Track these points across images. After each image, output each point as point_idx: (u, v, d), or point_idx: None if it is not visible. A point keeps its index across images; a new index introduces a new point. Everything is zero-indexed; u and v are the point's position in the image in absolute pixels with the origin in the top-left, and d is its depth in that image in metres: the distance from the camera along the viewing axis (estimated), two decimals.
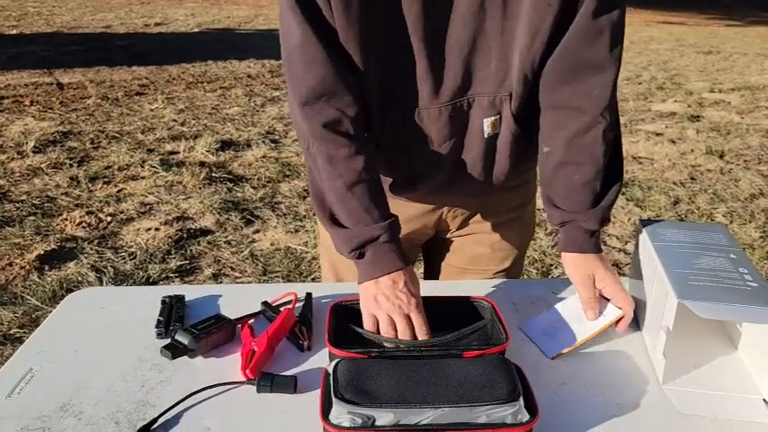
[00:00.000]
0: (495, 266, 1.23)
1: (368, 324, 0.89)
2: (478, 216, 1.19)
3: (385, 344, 0.87)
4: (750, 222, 3.30)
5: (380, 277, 0.91)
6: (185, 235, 2.98)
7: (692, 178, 3.95)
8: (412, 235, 1.20)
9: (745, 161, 4.32)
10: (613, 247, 3.00)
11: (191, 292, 1.06)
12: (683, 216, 3.39)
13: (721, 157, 4.36)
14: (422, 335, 0.88)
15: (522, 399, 0.73)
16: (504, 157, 1.03)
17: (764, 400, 0.83)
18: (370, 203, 0.93)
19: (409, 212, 1.16)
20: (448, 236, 1.23)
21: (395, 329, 0.88)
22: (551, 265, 2.82)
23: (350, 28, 0.88)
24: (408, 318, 0.89)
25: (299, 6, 0.88)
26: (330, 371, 0.78)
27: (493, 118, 0.98)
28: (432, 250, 1.30)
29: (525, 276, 2.71)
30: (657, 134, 4.91)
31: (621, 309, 0.96)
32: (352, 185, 0.93)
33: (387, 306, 0.89)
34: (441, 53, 0.92)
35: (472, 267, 1.24)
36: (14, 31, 8.71)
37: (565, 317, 0.98)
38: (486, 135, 0.99)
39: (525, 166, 1.12)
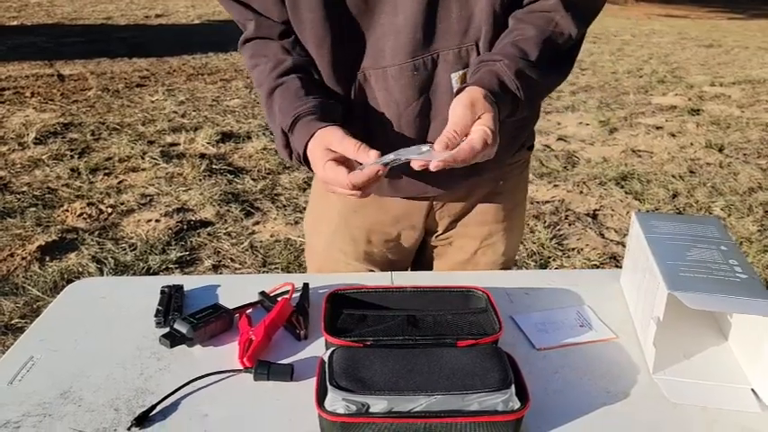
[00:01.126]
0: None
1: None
2: (466, 219, 1.18)
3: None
4: (748, 216, 3.31)
5: (305, 155, 0.92)
6: (185, 226, 2.99)
7: (692, 172, 3.96)
8: (402, 239, 1.19)
9: (745, 155, 4.32)
10: (611, 240, 3.01)
11: (190, 282, 1.07)
12: (681, 209, 3.40)
13: (721, 150, 4.36)
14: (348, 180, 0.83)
15: (513, 387, 0.74)
16: None
17: (753, 390, 0.84)
18: (285, 101, 0.95)
19: (396, 211, 1.15)
20: (435, 238, 1.22)
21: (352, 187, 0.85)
22: (549, 257, 2.84)
23: None
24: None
25: None
26: (326, 359, 0.79)
27: (461, 72, 0.95)
28: (416, 258, 1.28)
29: (523, 268, 2.72)
30: (657, 127, 4.91)
31: (458, 154, 0.83)
32: (271, 91, 0.96)
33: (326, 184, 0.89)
34: (398, 8, 0.92)
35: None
36: (15, 23, 8.69)
37: (559, 321, 0.99)
38: (454, 91, 0.95)
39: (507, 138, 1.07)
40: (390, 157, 0.83)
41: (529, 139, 1.19)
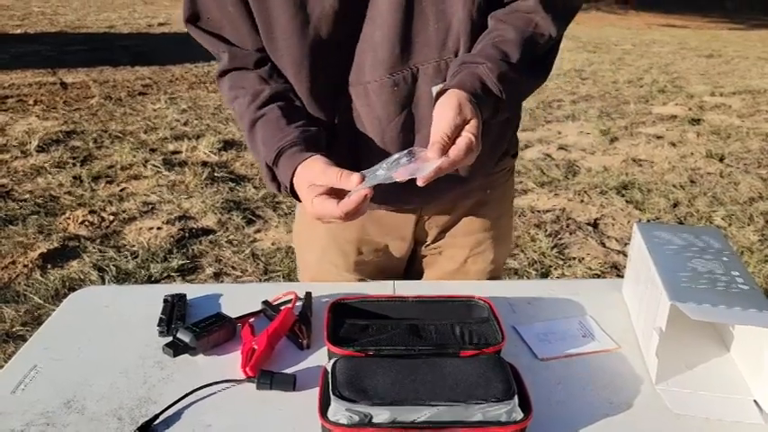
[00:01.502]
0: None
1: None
2: (455, 229, 1.18)
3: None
4: (749, 225, 3.31)
5: (291, 189, 0.91)
6: (187, 234, 3.00)
7: (692, 181, 3.97)
8: (392, 249, 1.20)
9: (745, 164, 4.33)
10: (612, 249, 3.01)
11: (192, 290, 1.07)
12: (682, 219, 3.41)
13: (721, 160, 4.37)
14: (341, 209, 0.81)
15: (516, 397, 0.74)
16: None
17: (755, 401, 0.84)
18: (267, 133, 0.94)
19: (385, 223, 1.15)
20: (425, 248, 1.22)
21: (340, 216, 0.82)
22: (551, 266, 2.84)
23: (276, 7, 0.90)
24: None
25: (193, 19, 0.98)
26: (329, 369, 0.79)
27: (441, 84, 0.93)
28: (407, 267, 1.28)
29: (525, 277, 2.72)
30: (658, 137, 4.92)
31: (440, 157, 0.80)
32: (253, 124, 0.95)
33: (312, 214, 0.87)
34: (375, 23, 0.91)
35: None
36: (19, 31, 8.74)
37: (562, 331, 0.99)
38: (435, 93, 0.93)
39: (492, 147, 1.06)
40: (375, 177, 0.81)
41: (512, 146, 1.19)
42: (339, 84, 0.98)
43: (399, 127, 0.98)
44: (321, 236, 1.20)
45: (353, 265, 1.21)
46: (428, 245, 1.22)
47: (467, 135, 0.83)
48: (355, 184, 0.80)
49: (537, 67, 0.96)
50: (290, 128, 0.93)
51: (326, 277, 1.22)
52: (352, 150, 1.02)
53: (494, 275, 1.25)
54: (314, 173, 0.86)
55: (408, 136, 1.00)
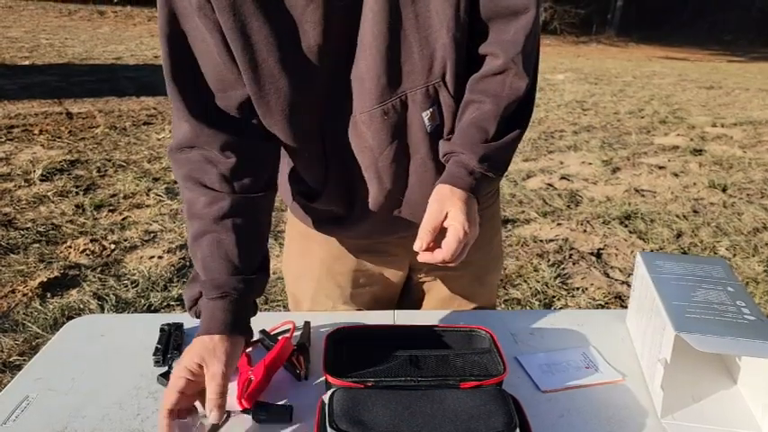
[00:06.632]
0: (468, 305, 1.22)
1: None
2: None
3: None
4: (753, 256, 3.29)
5: (202, 335, 0.84)
6: (188, 263, 2.98)
7: (695, 211, 3.95)
8: (388, 275, 1.19)
9: (748, 195, 4.32)
10: (616, 279, 2.99)
11: (190, 320, 1.06)
12: (685, 249, 3.39)
13: (724, 190, 4.37)
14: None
15: (518, 431, 0.72)
16: None
17: None
18: (212, 259, 0.88)
19: (384, 250, 1.15)
20: (422, 275, 1.21)
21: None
22: (554, 296, 2.81)
23: (260, 52, 0.87)
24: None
25: (170, 72, 0.88)
26: (326, 400, 0.77)
27: (431, 109, 0.94)
28: (404, 294, 1.27)
29: (527, 307, 2.70)
30: (660, 167, 4.93)
31: (437, 256, 0.86)
32: (199, 235, 0.90)
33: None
34: (359, 56, 0.91)
35: (444, 309, 1.22)
36: (27, 62, 8.87)
37: (565, 363, 0.97)
38: (428, 129, 0.95)
39: None
40: None
41: None
42: (328, 118, 0.96)
43: (392, 155, 0.98)
44: (314, 270, 1.19)
45: (349, 297, 1.20)
46: (424, 272, 1.21)
47: (451, 225, 0.87)
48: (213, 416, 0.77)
49: (519, 120, 0.97)
50: (235, 272, 0.88)
51: (321, 310, 1.20)
52: (347, 182, 1.01)
53: (490, 298, 1.24)
54: (216, 357, 0.81)
55: (401, 164, 0.99)
